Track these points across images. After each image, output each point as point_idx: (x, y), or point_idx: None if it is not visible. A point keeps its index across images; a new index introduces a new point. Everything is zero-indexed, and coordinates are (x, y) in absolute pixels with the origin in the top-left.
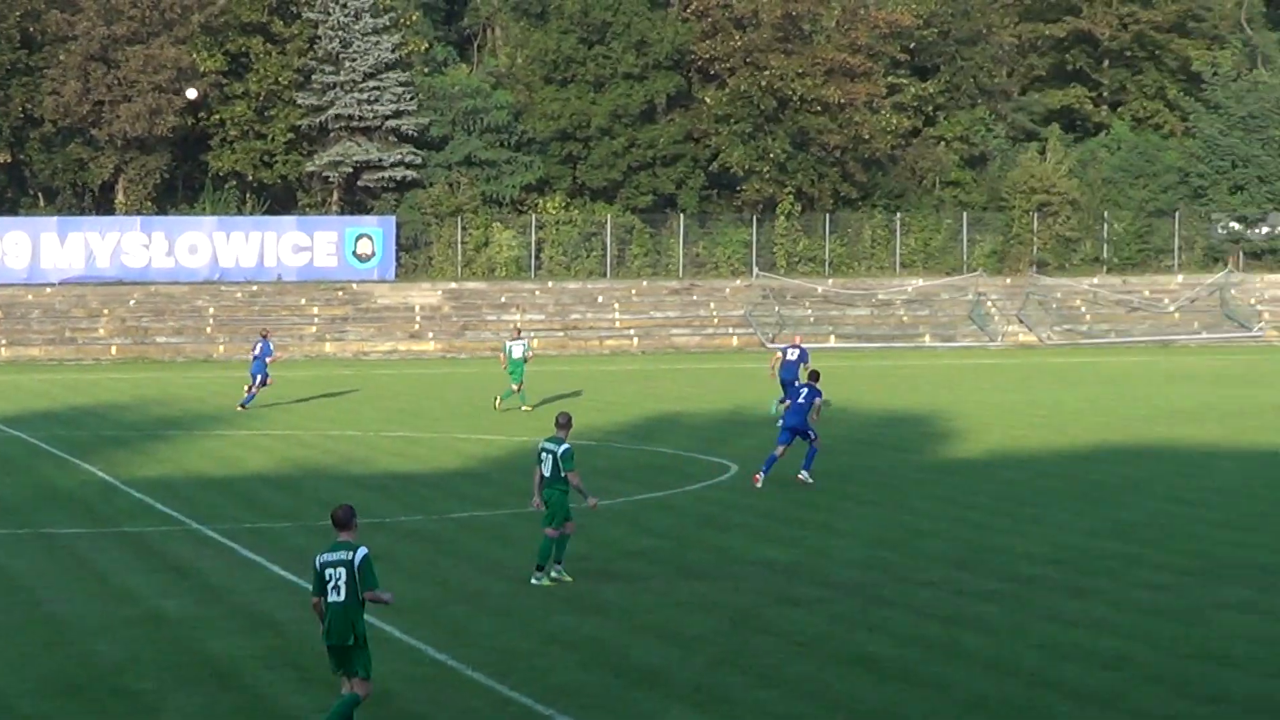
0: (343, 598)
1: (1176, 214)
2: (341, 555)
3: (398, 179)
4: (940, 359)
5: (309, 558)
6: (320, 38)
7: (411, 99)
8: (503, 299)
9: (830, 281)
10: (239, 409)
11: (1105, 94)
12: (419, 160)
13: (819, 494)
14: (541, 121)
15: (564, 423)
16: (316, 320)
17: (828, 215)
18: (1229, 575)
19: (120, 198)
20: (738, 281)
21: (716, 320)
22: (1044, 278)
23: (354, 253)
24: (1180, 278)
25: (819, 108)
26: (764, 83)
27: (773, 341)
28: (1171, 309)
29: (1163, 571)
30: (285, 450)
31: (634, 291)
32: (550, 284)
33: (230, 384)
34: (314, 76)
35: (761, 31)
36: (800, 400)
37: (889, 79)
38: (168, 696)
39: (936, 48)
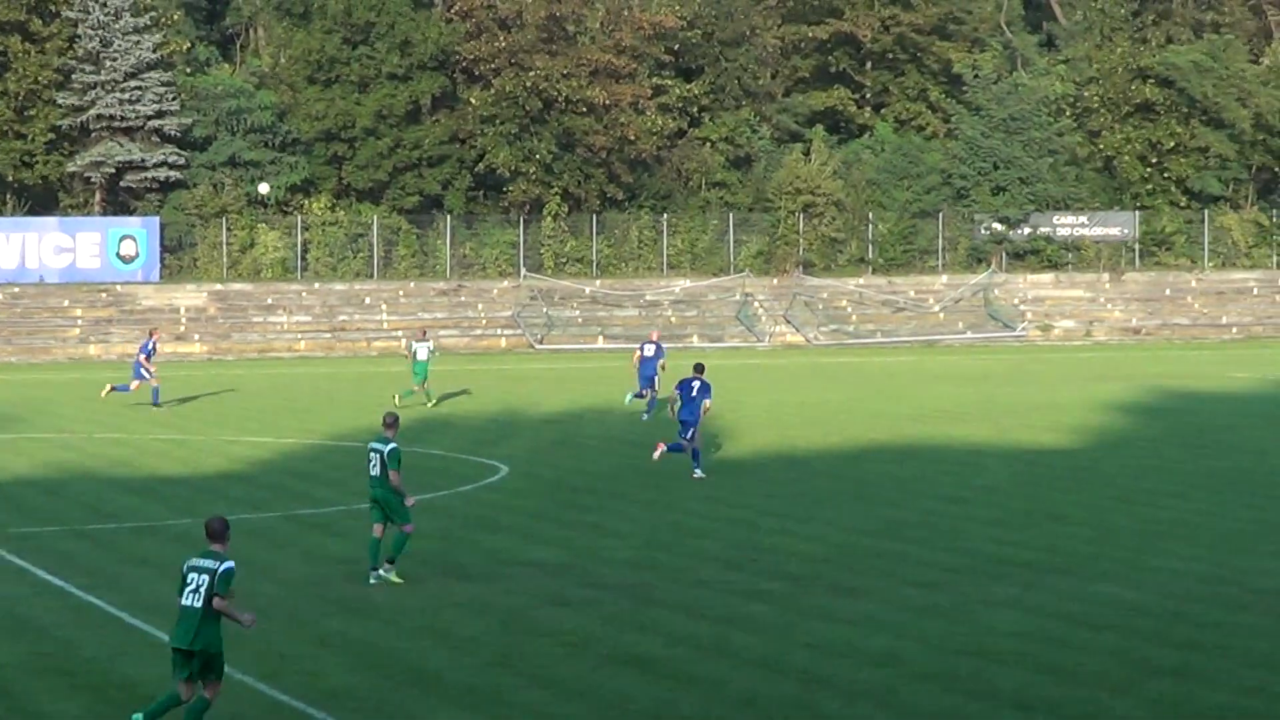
0: (198, 604)
1: (940, 215)
2: (209, 564)
3: (161, 179)
4: (708, 359)
5: (75, 562)
6: (80, 37)
7: (174, 99)
8: (269, 300)
9: (598, 282)
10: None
11: (868, 96)
12: (182, 161)
13: (589, 495)
14: (306, 122)
15: (390, 422)
16: (80, 323)
17: (594, 216)
18: (996, 572)
19: None
20: (505, 283)
21: (485, 321)
22: (810, 278)
23: (117, 254)
24: (944, 278)
25: (584, 109)
26: (529, 84)
27: (541, 343)
28: (936, 309)
29: (931, 569)
30: (48, 454)
31: (401, 293)
32: (317, 285)
33: None
34: (74, 76)
35: (526, 32)
36: (694, 395)
37: (654, 80)
38: None
39: (701, 49)
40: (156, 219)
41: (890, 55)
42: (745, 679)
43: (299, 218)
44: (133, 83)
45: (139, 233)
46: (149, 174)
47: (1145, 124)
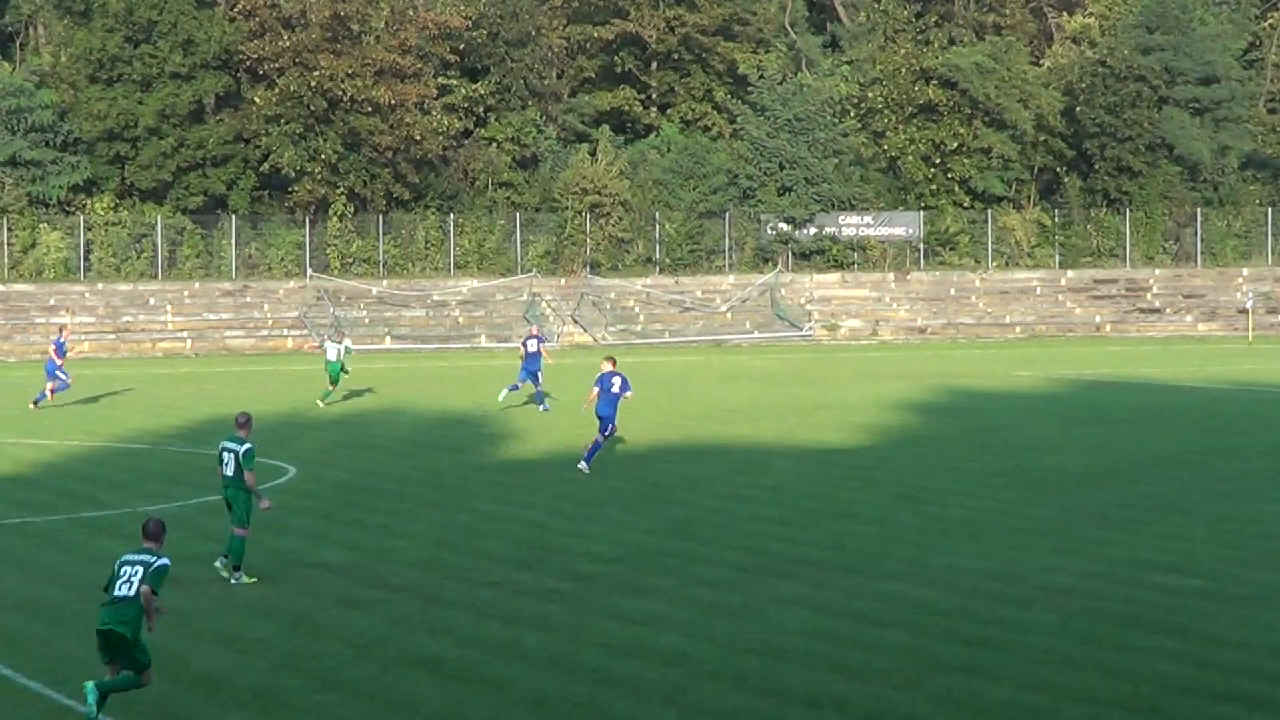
0: (130, 594)
1: (726, 215)
2: (144, 558)
3: None
4: (496, 359)
5: None
6: None
7: None
8: (52, 301)
9: (385, 283)
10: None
11: (654, 96)
12: None
13: (378, 496)
14: (88, 121)
15: (244, 422)
16: None
17: (381, 216)
18: (784, 571)
19: None
20: (291, 283)
21: (271, 322)
22: (597, 278)
23: None
24: (731, 278)
25: (370, 108)
26: (314, 83)
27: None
28: (723, 309)
29: (720, 568)
30: None
31: (186, 293)
32: (100, 286)
33: None
34: None
35: (310, 32)
36: (614, 390)
37: (439, 80)
38: None
39: (486, 49)
40: None
41: (676, 56)
42: (535, 679)
43: (81, 218)
44: None
45: None
46: None
47: (929, 125)
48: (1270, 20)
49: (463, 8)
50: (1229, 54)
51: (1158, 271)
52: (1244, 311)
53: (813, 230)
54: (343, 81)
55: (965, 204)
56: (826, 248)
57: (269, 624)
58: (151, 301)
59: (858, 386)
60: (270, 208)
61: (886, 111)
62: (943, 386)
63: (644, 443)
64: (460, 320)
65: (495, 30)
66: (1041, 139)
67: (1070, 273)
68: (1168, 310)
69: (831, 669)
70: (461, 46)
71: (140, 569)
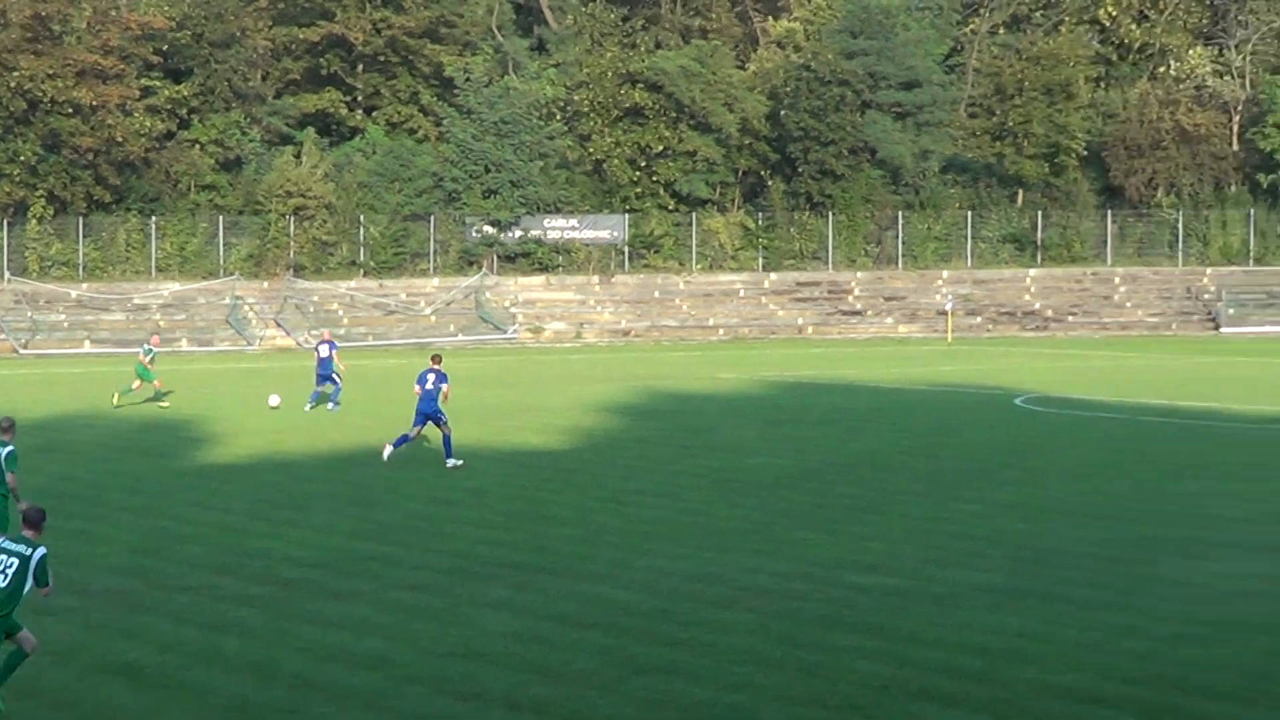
0: (5, 584)
1: (431, 218)
2: (20, 548)
3: None
4: (197, 363)
5: None
6: None
7: None
8: None
9: (85, 286)
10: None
11: (360, 98)
12: None
13: (75, 501)
14: None
15: (6, 426)
16: None
17: (81, 219)
18: (486, 574)
19: None
20: None
21: None
22: (301, 281)
23: None
24: (436, 281)
25: (70, 110)
26: (13, 84)
27: (25, 347)
28: (428, 312)
29: (422, 571)
30: None
31: None
32: None
33: None
34: None
35: (10, 32)
36: (430, 387)
37: (142, 81)
38: None
39: (190, 50)
40: None
41: (382, 58)
42: (235, 685)
43: None
44: None
45: None
46: None
47: (635, 128)
48: (971, 26)
49: (166, 9)
50: (931, 59)
51: (859, 274)
52: (944, 313)
53: (518, 233)
54: (43, 82)
55: (670, 207)
56: (532, 250)
57: None
58: None
59: (561, 389)
60: None
61: (592, 115)
62: (646, 389)
63: (347, 446)
64: (162, 324)
65: (199, 31)
66: (746, 142)
67: (773, 275)
68: (869, 312)
69: (533, 671)
70: (165, 48)
71: (16, 561)
